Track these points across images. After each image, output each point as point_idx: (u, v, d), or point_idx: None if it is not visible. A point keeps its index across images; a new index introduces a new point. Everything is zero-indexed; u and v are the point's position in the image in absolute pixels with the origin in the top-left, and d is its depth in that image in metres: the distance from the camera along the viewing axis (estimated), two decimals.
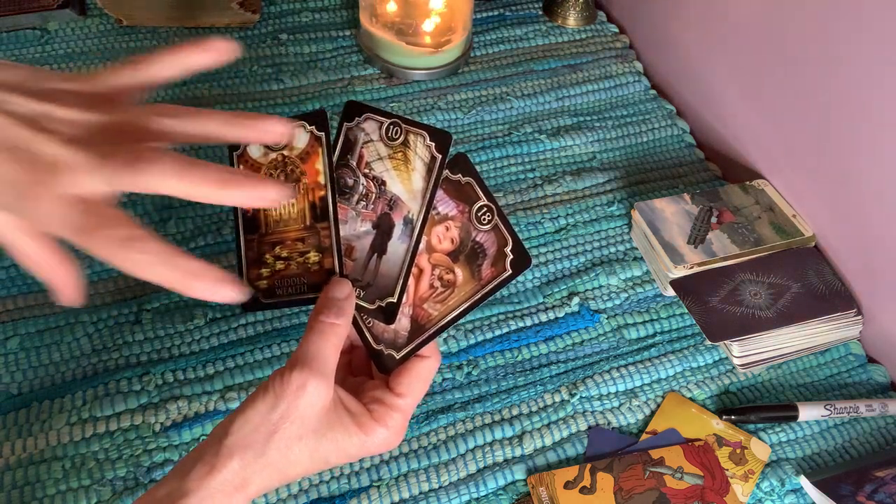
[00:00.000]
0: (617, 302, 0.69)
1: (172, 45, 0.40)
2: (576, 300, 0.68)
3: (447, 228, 0.44)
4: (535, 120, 0.83)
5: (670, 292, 0.68)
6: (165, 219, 0.70)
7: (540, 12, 0.96)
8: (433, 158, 0.44)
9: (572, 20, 0.94)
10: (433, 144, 0.44)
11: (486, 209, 0.44)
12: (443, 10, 0.83)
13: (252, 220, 0.45)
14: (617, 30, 0.95)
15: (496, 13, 0.95)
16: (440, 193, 0.45)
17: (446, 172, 0.45)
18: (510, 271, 0.43)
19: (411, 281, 0.44)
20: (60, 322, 0.62)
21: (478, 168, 0.77)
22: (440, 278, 0.44)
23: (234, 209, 0.45)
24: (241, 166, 0.45)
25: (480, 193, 0.44)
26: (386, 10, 0.83)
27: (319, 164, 0.44)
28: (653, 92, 0.89)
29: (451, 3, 0.83)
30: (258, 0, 0.89)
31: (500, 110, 0.84)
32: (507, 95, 0.85)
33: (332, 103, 0.82)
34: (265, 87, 0.83)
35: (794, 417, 0.61)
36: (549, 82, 0.87)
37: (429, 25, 0.83)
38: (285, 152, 0.45)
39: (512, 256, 0.43)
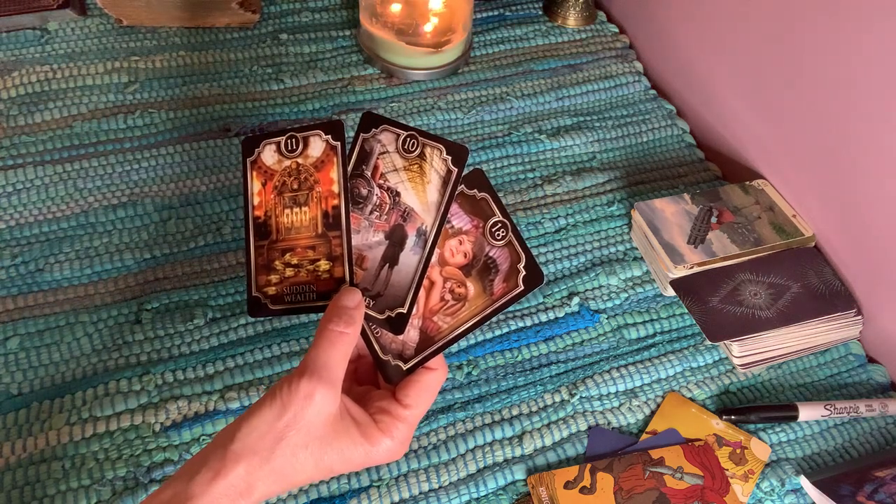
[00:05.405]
0: (617, 302, 0.69)
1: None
2: (576, 300, 0.68)
3: (460, 242, 0.45)
4: (535, 120, 0.83)
5: (670, 292, 0.68)
6: (165, 219, 0.70)
7: (540, 12, 0.96)
8: (449, 172, 0.44)
9: (572, 20, 0.94)
10: (449, 158, 0.44)
11: (500, 225, 0.44)
12: (443, 11, 0.83)
13: (263, 226, 0.45)
14: (617, 30, 0.95)
15: (496, 13, 0.95)
16: (455, 207, 0.45)
17: (462, 187, 0.45)
18: (522, 287, 0.43)
19: (422, 293, 0.44)
20: (60, 322, 0.62)
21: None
22: (451, 291, 0.44)
23: (245, 214, 0.45)
24: (255, 173, 0.45)
25: (496, 209, 0.44)
26: (386, 11, 0.83)
27: (334, 172, 0.44)
28: (653, 92, 0.89)
29: (451, 4, 0.83)
30: (258, 0, 0.89)
31: (500, 110, 0.84)
32: (507, 95, 0.85)
33: (331, 103, 0.82)
34: (265, 87, 0.83)
35: (794, 417, 0.61)
36: (549, 82, 0.87)
37: (429, 25, 0.83)
38: (300, 160, 0.45)
39: (525, 273, 0.44)
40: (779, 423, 0.61)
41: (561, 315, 0.67)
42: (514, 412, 0.61)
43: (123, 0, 0.85)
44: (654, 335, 0.67)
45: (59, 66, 0.81)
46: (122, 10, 0.85)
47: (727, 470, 0.58)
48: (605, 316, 0.67)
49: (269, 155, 0.45)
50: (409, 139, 0.45)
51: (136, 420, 0.57)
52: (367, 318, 0.44)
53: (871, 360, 0.67)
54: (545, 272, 0.70)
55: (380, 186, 0.45)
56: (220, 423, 0.58)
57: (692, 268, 0.67)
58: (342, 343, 0.41)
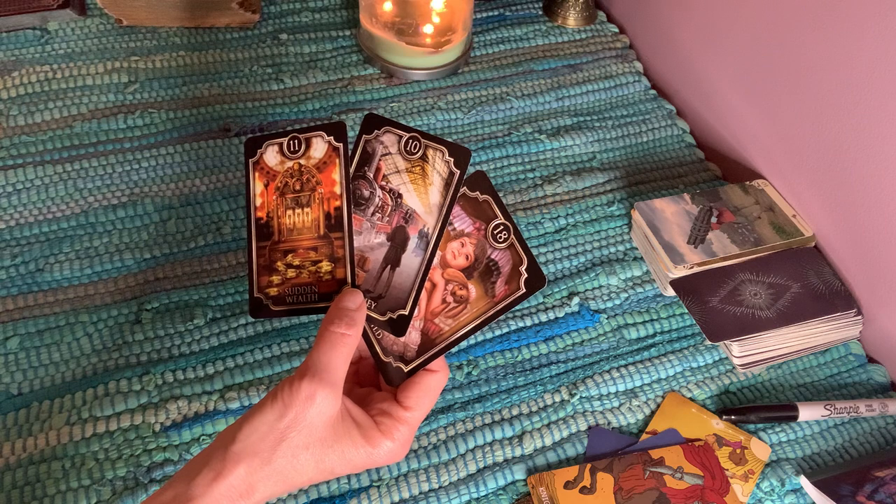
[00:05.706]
0: (617, 302, 0.69)
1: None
2: (576, 300, 0.68)
3: (462, 244, 0.45)
4: (535, 120, 0.83)
5: (670, 292, 0.68)
6: (165, 219, 0.70)
7: (540, 12, 0.96)
8: (451, 174, 0.44)
9: (572, 20, 0.94)
10: (452, 160, 0.44)
11: (502, 227, 0.44)
12: (443, 10, 0.83)
13: (265, 227, 0.45)
14: (617, 30, 0.95)
15: (496, 13, 0.95)
16: (457, 209, 0.45)
17: (464, 189, 0.45)
18: (524, 290, 0.44)
19: (424, 295, 0.44)
20: (60, 322, 0.62)
21: (478, 168, 0.77)
22: (453, 294, 0.44)
23: (248, 215, 0.45)
24: (257, 174, 0.46)
25: (498, 212, 0.44)
26: (386, 10, 0.83)
27: (336, 174, 0.44)
28: (653, 92, 0.89)
29: (451, 3, 0.83)
30: (258, 0, 0.89)
31: (500, 110, 0.84)
32: (507, 95, 0.85)
33: (331, 103, 0.82)
34: (265, 87, 0.83)
35: (794, 417, 0.61)
36: (549, 82, 0.87)
37: (429, 26, 0.83)
38: (302, 161, 0.45)
39: (526, 275, 0.44)
40: (779, 423, 0.61)
41: (561, 315, 0.67)
42: (514, 412, 0.61)
43: (123, 0, 0.85)
44: (654, 335, 0.67)
45: (59, 66, 0.81)
46: (122, 10, 0.85)
47: (727, 470, 0.58)
48: (605, 316, 0.67)
49: (271, 156, 0.45)
50: (411, 141, 0.45)
51: (136, 420, 0.57)
52: (369, 319, 0.44)
53: (871, 360, 0.67)
54: (545, 272, 0.70)
55: (382, 188, 0.45)
56: (220, 423, 0.58)
57: (692, 268, 0.67)
58: (343, 345, 0.41)
